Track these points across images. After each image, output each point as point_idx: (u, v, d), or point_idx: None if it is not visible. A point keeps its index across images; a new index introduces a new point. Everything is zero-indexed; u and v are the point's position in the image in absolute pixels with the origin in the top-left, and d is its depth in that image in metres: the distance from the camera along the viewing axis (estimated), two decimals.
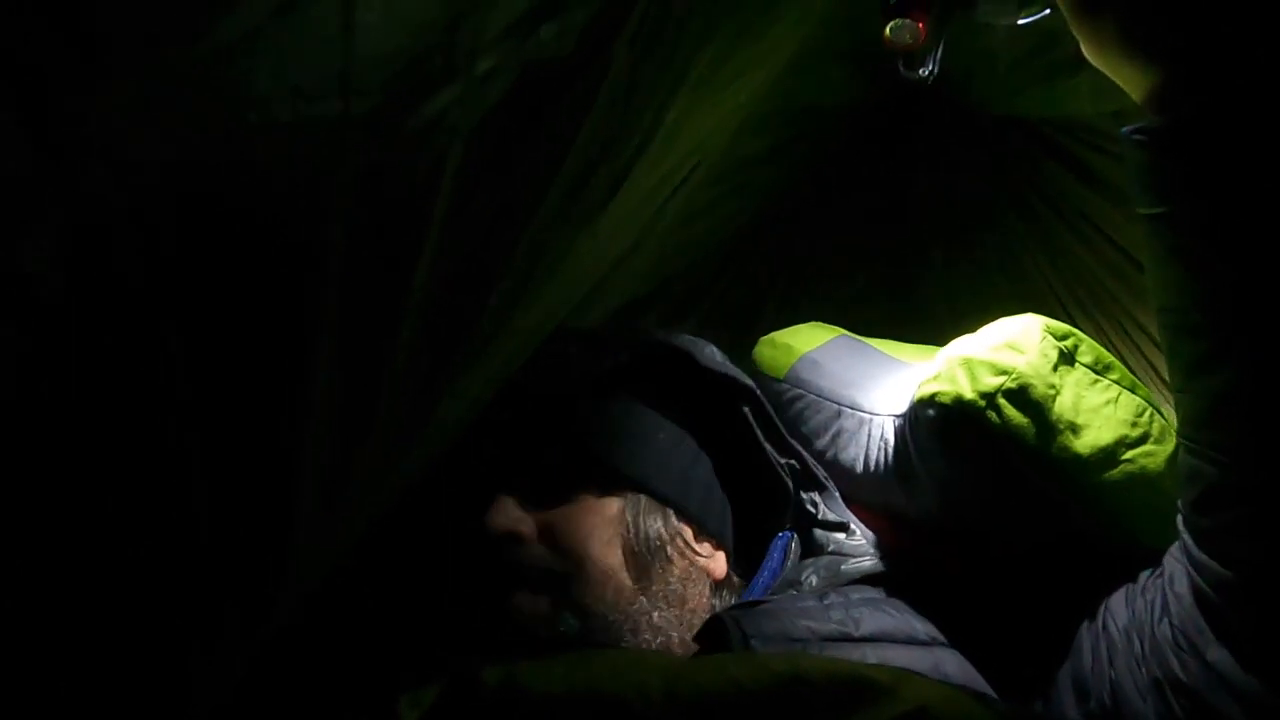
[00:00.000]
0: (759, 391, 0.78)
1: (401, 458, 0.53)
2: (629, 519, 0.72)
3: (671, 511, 0.73)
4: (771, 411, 0.78)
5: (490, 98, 0.43)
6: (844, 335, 0.87)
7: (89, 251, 0.31)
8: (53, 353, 0.32)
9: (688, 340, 0.80)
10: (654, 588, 0.70)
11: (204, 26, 0.33)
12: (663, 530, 0.72)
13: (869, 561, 0.72)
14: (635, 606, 0.68)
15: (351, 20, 0.37)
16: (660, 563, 0.71)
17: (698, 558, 0.73)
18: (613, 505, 0.72)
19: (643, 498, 0.73)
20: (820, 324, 0.90)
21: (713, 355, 0.79)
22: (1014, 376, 0.63)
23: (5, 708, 0.38)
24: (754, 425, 0.77)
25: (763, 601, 0.67)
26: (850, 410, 0.78)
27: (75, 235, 0.30)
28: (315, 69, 0.37)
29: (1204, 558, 0.52)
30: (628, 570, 0.70)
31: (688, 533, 0.73)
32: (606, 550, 0.70)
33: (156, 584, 0.42)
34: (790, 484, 0.76)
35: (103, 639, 0.41)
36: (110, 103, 0.29)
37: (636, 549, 0.71)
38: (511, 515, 0.70)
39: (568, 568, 0.68)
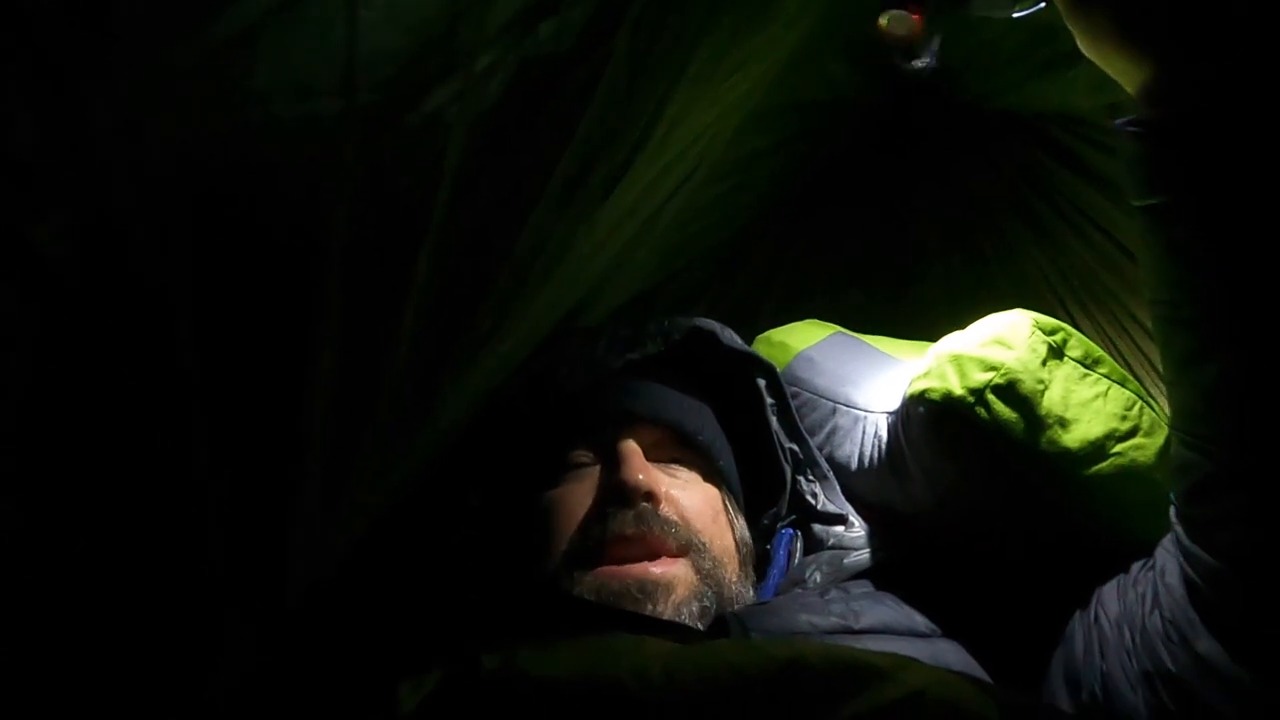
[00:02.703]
0: (778, 371, 0.80)
1: (403, 453, 0.53)
2: (731, 513, 0.74)
3: (742, 515, 0.76)
4: (787, 392, 0.79)
5: (490, 93, 0.44)
6: (839, 332, 0.88)
7: (100, 232, 0.31)
8: (65, 336, 0.33)
9: (711, 323, 0.81)
10: (743, 582, 0.71)
11: (206, 21, 0.33)
12: (746, 533, 0.75)
13: (868, 554, 0.73)
14: (735, 593, 0.69)
15: (352, 17, 0.37)
16: (748, 562, 0.73)
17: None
18: (716, 494, 0.74)
19: (728, 495, 0.75)
20: (816, 321, 0.91)
21: (733, 337, 0.81)
22: (1002, 372, 0.64)
23: (12, 703, 0.39)
24: (766, 401, 0.78)
25: (765, 603, 0.68)
26: (845, 408, 0.79)
27: (87, 214, 0.31)
28: (317, 66, 0.37)
29: (1195, 548, 0.53)
30: (738, 559, 0.72)
31: (749, 533, 0.76)
32: (726, 534, 0.72)
33: (162, 577, 0.42)
34: (788, 471, 0.77)
35: (110, 635, 0.41)
36: (124, 93, 0.30)
37: (738, 544, 0.73)
38: (651, 474, 0.69)
39: (695, 537, 0.68)
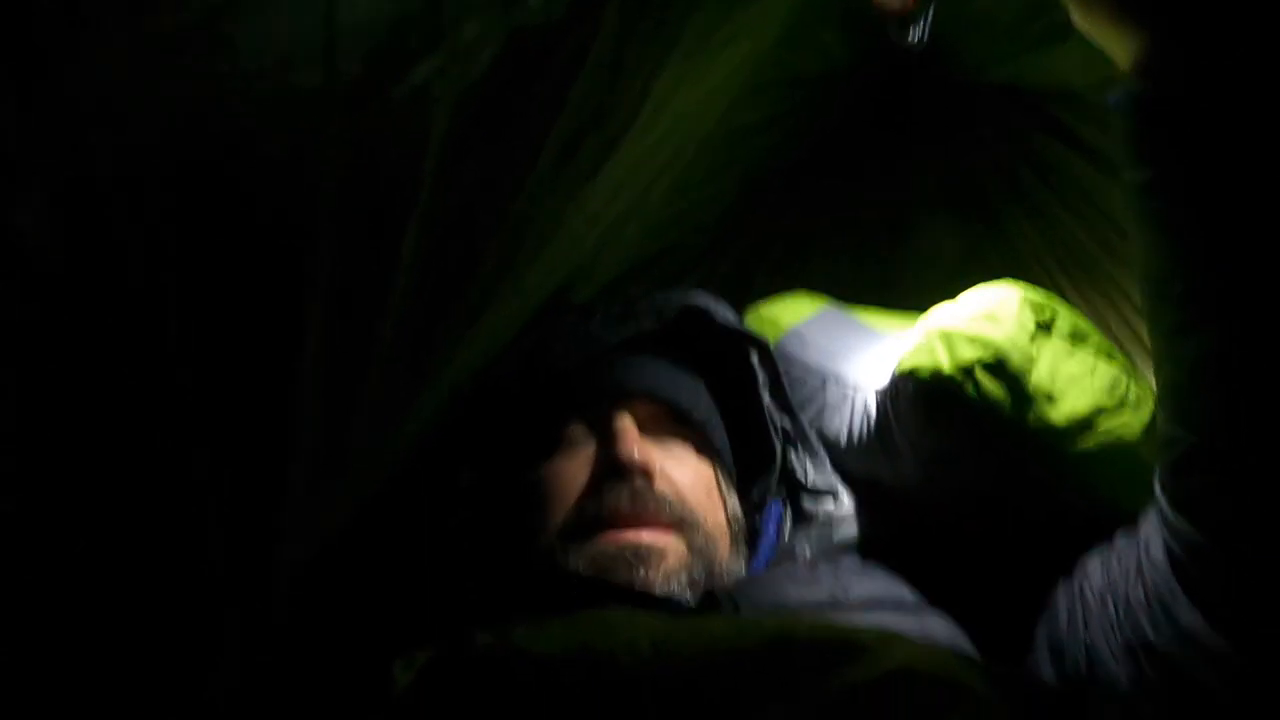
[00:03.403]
0: (771, 346, 0.80)
1: (394, 431, 0.53)
2: (723, 489, 0.75)
3: (734, 490, 0.76)
4: (780, 367, 0.79)
5: (477, 66, 0.43)
6: (829, 307, 0.88)
7: (82, 217, 0.31)
8: (47, 315, 0.32)
9: (704, 299, 0.81)
10: (734, 557, 0.72)
11: None
12: (738, 508, 0.75)
13: (857, 529, 0.73)
14: (725, 568, 0.70)
15: None
16: (739, 537, 0.74)
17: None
18: (709, 470, 0.75)
19: (721, 470, 0.75)
20: (807, 295, 0.91)
21: (726, 313, 0.81)
22: (991, 349, 0.64)
23: (11, 703, 0.39)
24: (759, 377, 0.79)
25: (754, 577, 0.69)
26: (835, 383, 0.79)
27: (68, 200, 0.30)
28: (299, 38, 0.36)
29: (1178, 521, 0.53)
30: (730, 534, 0.72)
31: (740, 508, 0.76)
32: (718, 510, 0.73)
33: (152, 555, 0.42)
34: (778, 446, 0.78)
35: (103, 621, 0.41)
36: (101, 70, 0.29)
37: (730, 520, 0.73)
38: (646, 449, 0.69)
39: (689, 513, 0.69)
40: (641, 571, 0.64)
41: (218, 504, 0.41)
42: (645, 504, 0.67)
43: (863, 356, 0.79)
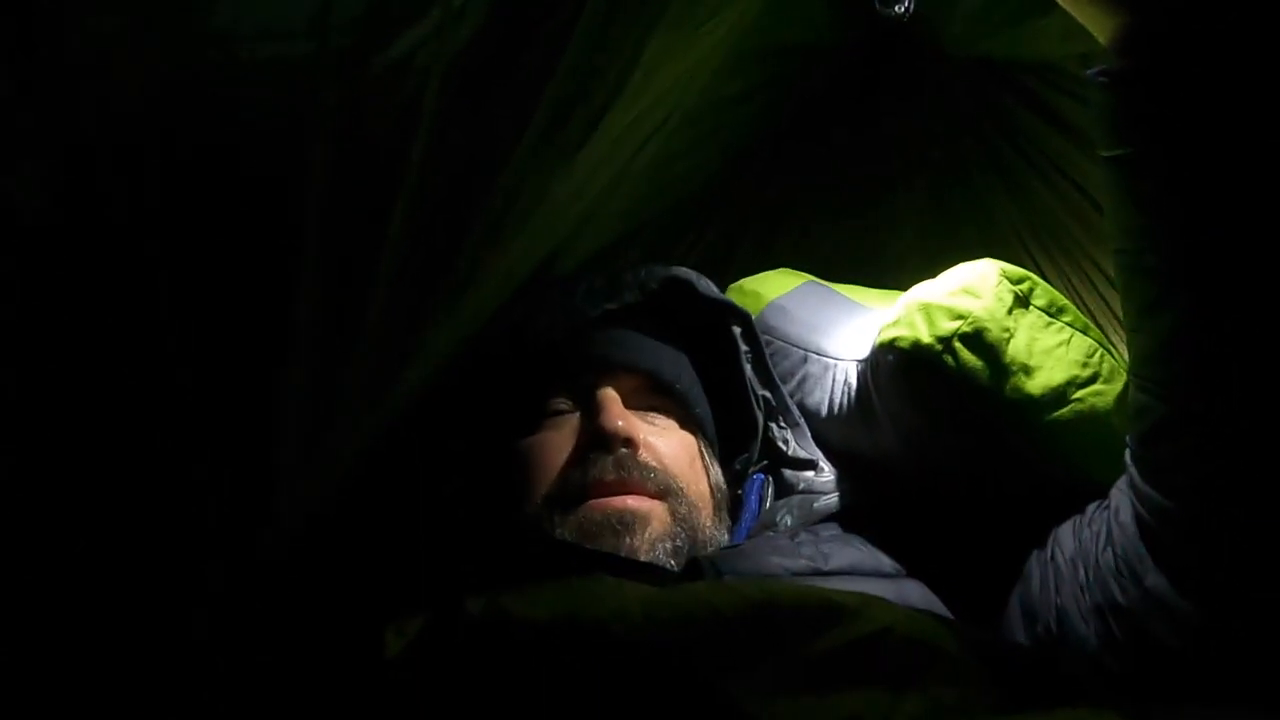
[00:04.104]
0: (753, 319, 0.81)
1: (382, 400, 0.53)
2: (706, 459, 0.76)
3: (716, 461, 0.77)
4: (761, 341, 0.80)
5: (464, 32, 0.43)
6: (811, 281, 0.89)
7: (74, 181, 0.31)
8: (39, 279, 0.32)
9: (687, 272, 0.82)
10: (716, 526, 0.73)
11: None
12: (720, 478, 0.76)
13: (837, 498, 0.75)
14: (708, 536, 0.71)
15: None
16: (722, 506, 0.75)
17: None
18: (692, 440, 0.76)
19: (703, 441, 0.77)
20: (788, 270, 0.91)
21: (709, 286, 0.82)
22: (970, 321, 0.66)
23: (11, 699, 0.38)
24: (741, 349, 0.80)
25: (737, 546, 0.70)
26: (816, 356, 0.80)
27: (60, 165, 0.30)
28: (286, 7, 0.36)
29: (1147, 489, 0.55)
30: (712, 503, 0.74)
31: (723, 478, 0.78)
32: (701, 479, 0.74)
33: (139, 517, 0.42)
34: (760, 417, 0.79)
35: (84, 572, 0.41)
36: (90, 37, 0.29)
37: (713, 489, 0.75)
38: (630, 420, 0.71)
39: (673, 482, 0.70)
40: (626, 539, 0.65)
41: (209, 476, 0.41)
42: (629, 473, 0.68)
43: (844, 329, 0.80)
